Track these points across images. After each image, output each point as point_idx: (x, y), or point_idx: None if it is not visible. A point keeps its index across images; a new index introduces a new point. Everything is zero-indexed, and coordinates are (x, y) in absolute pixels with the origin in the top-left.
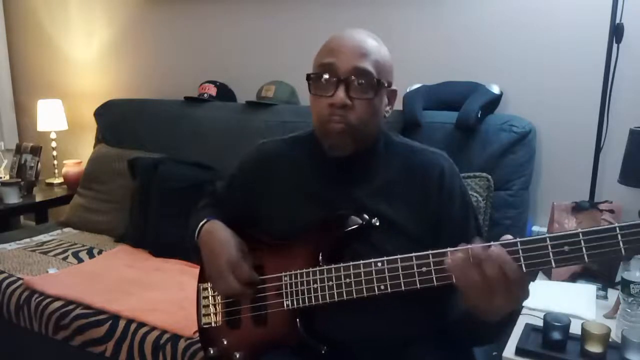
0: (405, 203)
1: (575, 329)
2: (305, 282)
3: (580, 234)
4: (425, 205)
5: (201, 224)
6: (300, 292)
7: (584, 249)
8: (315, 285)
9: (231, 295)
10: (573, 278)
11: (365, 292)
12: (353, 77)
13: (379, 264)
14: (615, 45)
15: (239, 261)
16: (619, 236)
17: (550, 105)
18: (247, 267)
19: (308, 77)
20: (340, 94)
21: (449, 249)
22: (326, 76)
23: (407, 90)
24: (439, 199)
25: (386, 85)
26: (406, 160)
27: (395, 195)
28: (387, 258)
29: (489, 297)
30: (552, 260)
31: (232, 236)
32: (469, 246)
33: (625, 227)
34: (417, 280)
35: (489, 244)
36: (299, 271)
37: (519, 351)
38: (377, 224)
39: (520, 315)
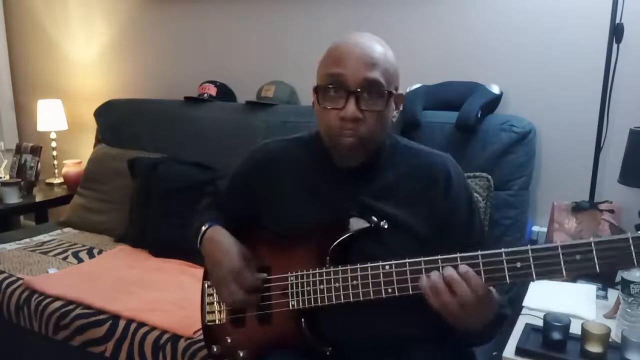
0: (410, 204)
1: (575, 329)
2: (311, 282)
3: (593, 244)
4: (430, 207)
5: (203, 229)
6: (306, 293)
7: (595, 259)
8: (321, 287)
9: (235, 303)
10: (573, 278)
11: (372, 294)
12: (363, 89)
13: (387, 267)
14: (615, 45)
15: (242, 270)
16: (632, 247)
17: (550, 105)
18: (250, 275)
19: (316, 88)
20: (351, 107)
21: (458, 254)
22: (335, 88)
23: (407, 90)
24: (446, 204)
25: (394, 92)
26: (411, 162)
27: (400, 196)
28: (396, 262)
29: (462, 315)
30: (563, 269)
31: (234, 243)
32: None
33: (638, 238)
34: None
35: (498, 250)
36: (305, 272)
37: (519, 351)
38: (386, 226)
39: (520, 315)
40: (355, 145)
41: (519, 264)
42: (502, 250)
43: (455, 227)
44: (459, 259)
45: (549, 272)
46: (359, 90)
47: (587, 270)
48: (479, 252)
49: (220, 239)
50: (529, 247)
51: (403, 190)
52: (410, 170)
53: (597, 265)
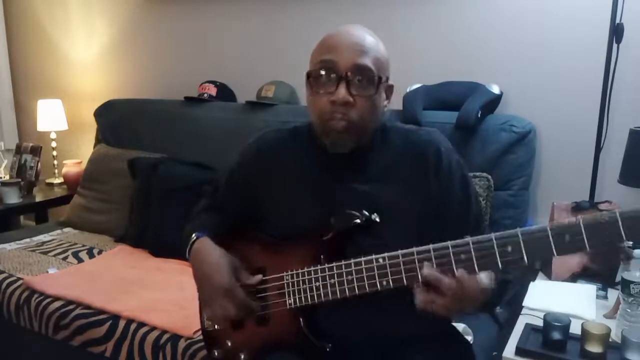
0: (405, 184)
1: (575, 329)
2: (307, 280)
3: (581, 223)
4: (424, 183)
5: (191, 242)
6: (302, 291)
7: (585, 238)
8: (317, 284)
9: (228, 320)
10: (573, 278)
11: (367, 288)
12: (354, 74)
13: (380, 260)
14: (615, 45)
15: (233, 285)
16: (620, 225)
17: (550, 105)
18: (241, 290)
19: (308, 74)
20: (342, 91)
21: (449, 242)
22: (327, 73)
23: (407, 90)
24: (439, 179)
25: (384, 80)
26: (401, 143)
27: (394, 178)
28: (389, 254)
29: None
30: (554, 250)
31: (222, 256)
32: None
33: (625, 213)
34: (420, 275)
35: (489, 235)
36: (300, 270)
37: (519, 351)
38: (377, 219)
39: (520, 315)
40: (346, 130)
41: (509, 248)
42: (492, 235)
43: (451, 206)
44: (450, 246)
45: (540, 254)
46: (350, 75)
47: (578, 250)
48: (470, 239)
49: (207, 253)
50: (518, 230)
51: (396, 171)
52: (400, 150)
53: (587, 244)
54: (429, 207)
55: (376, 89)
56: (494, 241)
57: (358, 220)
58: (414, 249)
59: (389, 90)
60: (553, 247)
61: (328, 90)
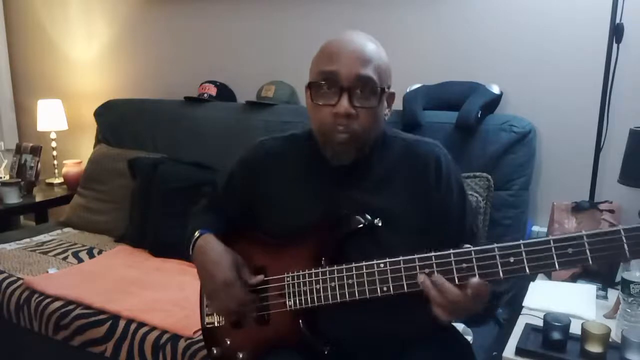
0: (405, 193)
1: (575, 329)
2: (307, 282)
3: (584, 237)
4: (424, 193)
5: (194, 238)
6: (302, 293)
7: (587, 252)
8: (317, 286)
9: (229, 316)
10: (573, 278)
11: (367, 293)
12: (356, 86)
13: (382, 265)
14: (615, 45)
15: (235, 281)
16: (624, 238)
17: (550, 105)
18: (242, 286)
19: (309, 85)
20: (344, 103)
21: (451, 250)
22: (328, 84)
23: (407, 90)
24: (439, 189)
25: (386, 90)
26: (402, 152)
27: (394, 188)
28: (390, 260)
29: (454, 315)
30: (556, 263)
31: (225, 252)
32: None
33: (629, 230)
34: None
35: (491, 245)
36: (301, 272)
37: (519, 351)
38: (380, 224)
39: (520, 315)
40: (348, 142)
41: (512, 259)
42: (495, 245)
43: (450, 214)
44: (452, 255)
45: (542, 266)
46: (352, 86)
47: (580, 263)
48: (472, 248)
49: (210, 248)
50: (521, 241)
51: (395, 181)
52: (401, 160)
53: (589, 258)
54: (429, 215)
55: (379, 100)
56: (496, 252)
57: (361, 225)
58: (416, 256)
59: (391, 98)
60: (555, 260)
61: (329, 101)
